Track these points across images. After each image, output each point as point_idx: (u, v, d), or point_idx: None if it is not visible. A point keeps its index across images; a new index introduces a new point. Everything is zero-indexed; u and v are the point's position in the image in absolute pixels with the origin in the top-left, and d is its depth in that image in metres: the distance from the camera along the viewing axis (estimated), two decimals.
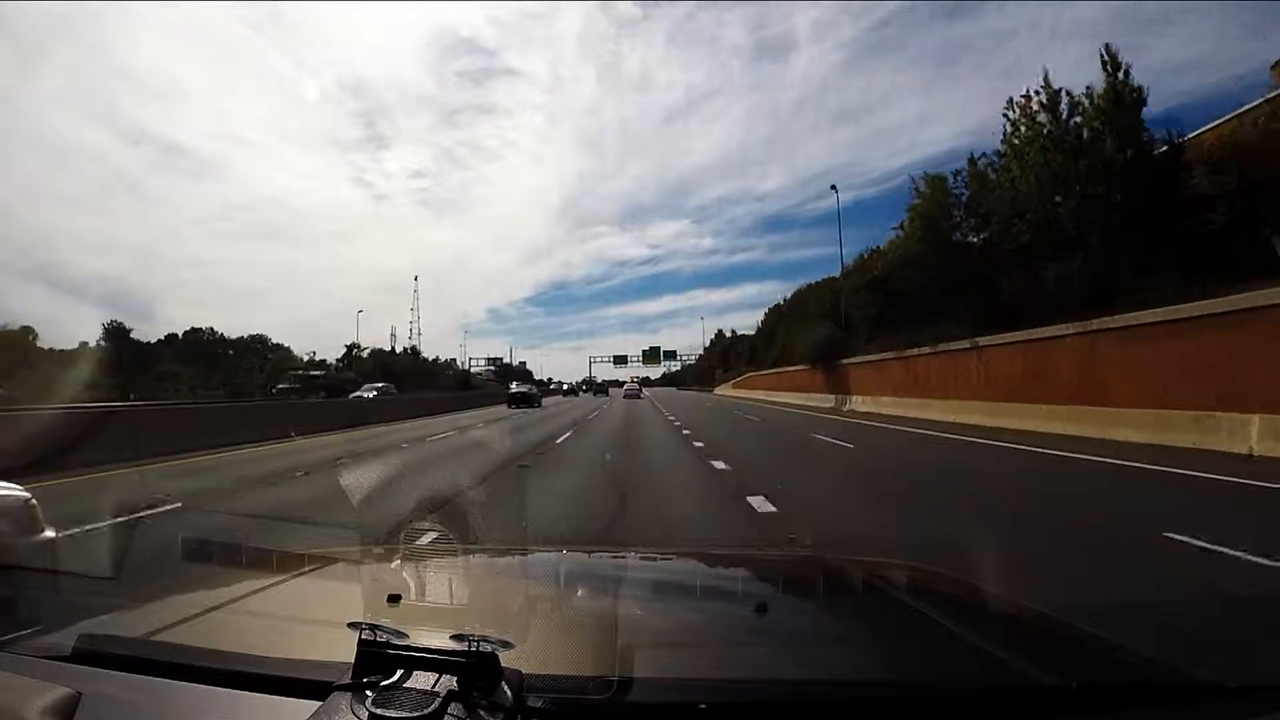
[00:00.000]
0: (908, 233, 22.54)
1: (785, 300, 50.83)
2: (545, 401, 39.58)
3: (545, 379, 78.43)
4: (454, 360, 78.90)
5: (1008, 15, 74.71)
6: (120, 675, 0.86)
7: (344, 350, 59.96)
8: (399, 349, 66.83)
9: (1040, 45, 68.56)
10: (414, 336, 72.95)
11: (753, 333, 68.40)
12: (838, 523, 5.57)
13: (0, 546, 2.79)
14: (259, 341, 58.26)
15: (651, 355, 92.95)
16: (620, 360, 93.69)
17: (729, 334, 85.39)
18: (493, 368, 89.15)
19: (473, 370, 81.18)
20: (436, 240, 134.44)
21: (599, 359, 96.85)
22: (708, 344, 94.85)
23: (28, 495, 3.11)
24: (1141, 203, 14.50)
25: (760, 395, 41.48)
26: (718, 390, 63.99)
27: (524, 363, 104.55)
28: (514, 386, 41.21)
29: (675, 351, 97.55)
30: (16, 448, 8.28)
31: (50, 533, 3.12)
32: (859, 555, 2.69)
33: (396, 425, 19.21)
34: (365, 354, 60.26)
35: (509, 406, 31.76)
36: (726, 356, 74.10)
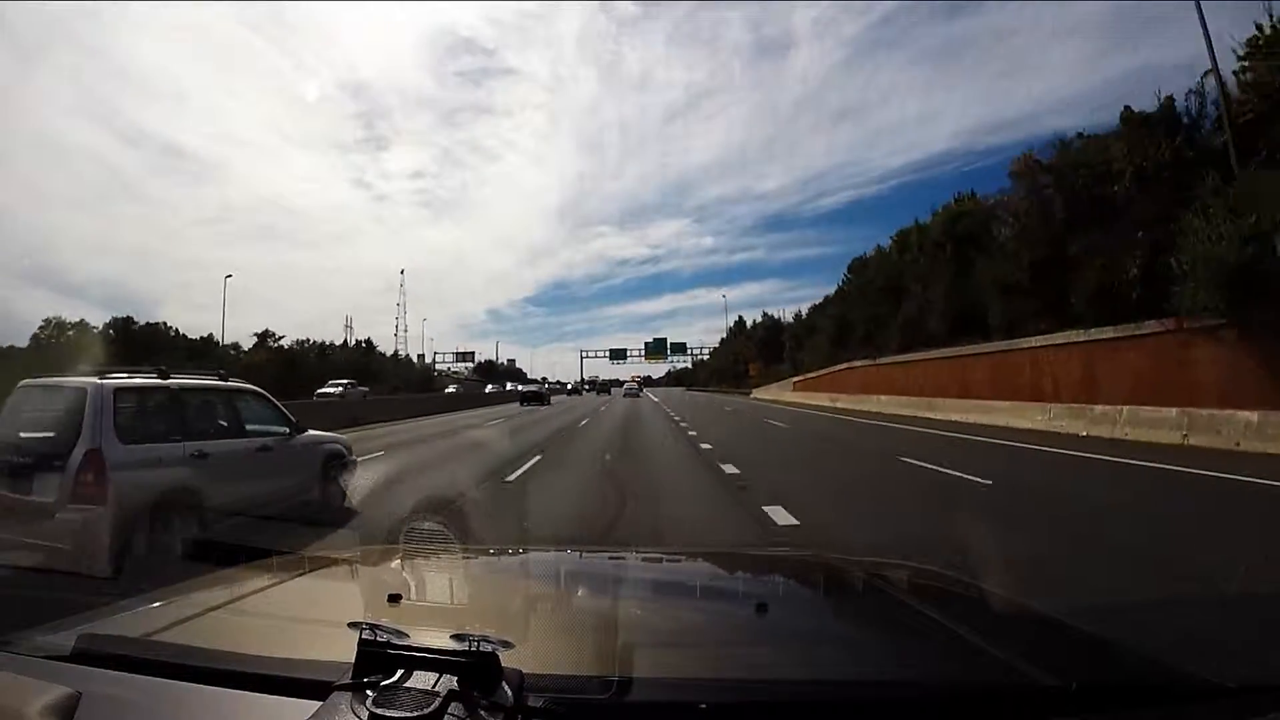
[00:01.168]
0: None
1: (918, 227, 26.31)
2: (552, 399, 42.85)
3: (540, 378, 66.88)
4: (422, 356, 69.69)
5: (1008, 13, 74.60)
6: (120, 675, 0.86)
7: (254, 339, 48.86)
8: (352, 341, 59.46)
9: (1041, 43, 68.39)
10: (400, 334, 67.70)
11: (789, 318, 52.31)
12: None
13: (346, 460, 6.40)
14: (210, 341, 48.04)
15: (656, 349, 75.71)
16: (618, 355, 77.92)
17: (758, 320, 65.69)
18: (468, 364, 76.45)
19: (449, 370, 70.92)
20: (437, 241, 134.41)
21: (592, 354, 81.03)
22: (726, 334, 73.54)
23: (346, 438, 6.78)
24: None
25: (889, 408, 20.66)
26: (762, 394, 41.67)
27: (513, 360, 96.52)
28: (527, 386, 47.42)
29: (685, 344, 78.86)
30: None
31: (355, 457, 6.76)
32: (859, 555, 2.68)
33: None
34: (275, 344, 48.31)
35: (521, 404, 35.13)
36: (773, 344, 54.52)
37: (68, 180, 76.46)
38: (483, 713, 0.69)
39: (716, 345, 78.56)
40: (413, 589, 1.35)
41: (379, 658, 0.74)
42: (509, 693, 0.72)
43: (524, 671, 0.75)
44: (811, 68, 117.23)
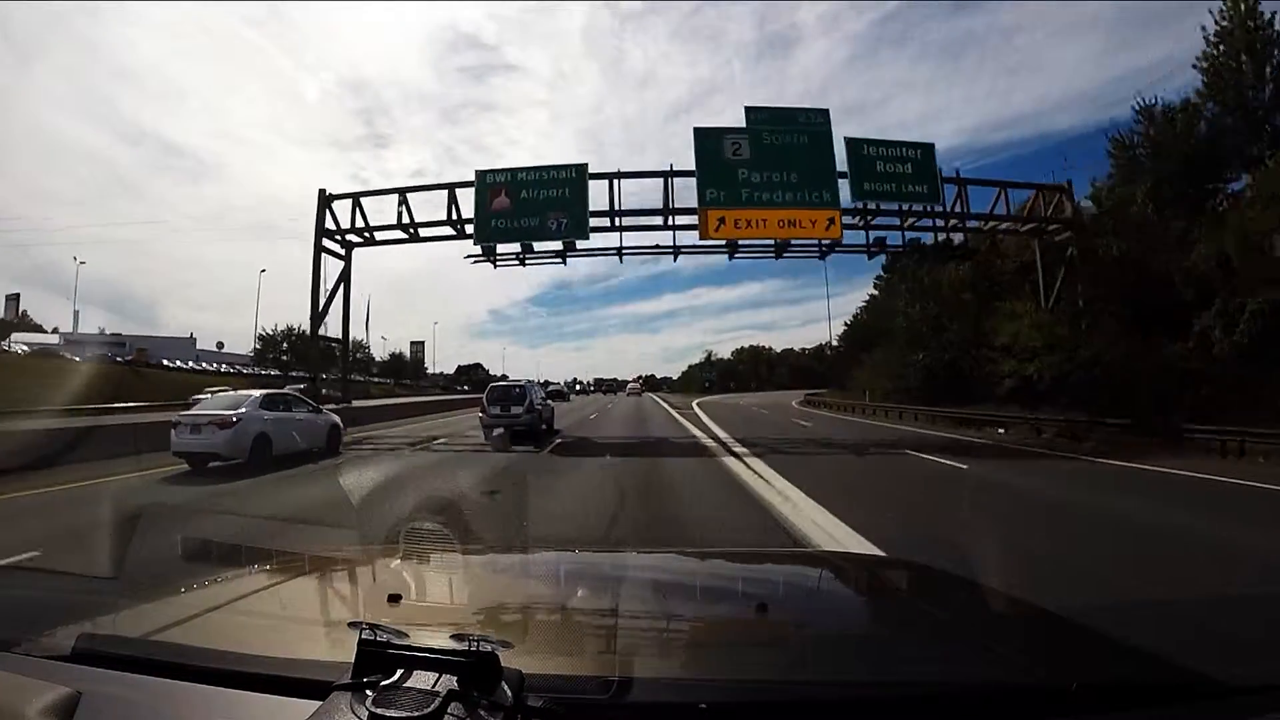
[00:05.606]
0: None
1: None
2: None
3: (499, 375, 54.72)
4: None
5: (1013, 11, 74.07)
6: (120, 675, 0.86)
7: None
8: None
9: (1045, 41, 68.12)
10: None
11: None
12: None
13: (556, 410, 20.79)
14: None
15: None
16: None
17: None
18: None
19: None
20: None
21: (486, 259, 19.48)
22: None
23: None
24: None
25: None
26: None
27: (441, 350, 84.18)
28: (550, 386, 57.19)
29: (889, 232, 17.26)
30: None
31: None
32: (859, 555, 2.68)
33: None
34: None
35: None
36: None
37: (67, 178, 76.54)
38: (483, 713, 0.69)
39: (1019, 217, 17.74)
40: (413, 589, 1.35)
41: (379, 658, 0.74)
42: (509, 693, 0.71)
43: (524, 671, 0.75)
44: (815, 65, 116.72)
